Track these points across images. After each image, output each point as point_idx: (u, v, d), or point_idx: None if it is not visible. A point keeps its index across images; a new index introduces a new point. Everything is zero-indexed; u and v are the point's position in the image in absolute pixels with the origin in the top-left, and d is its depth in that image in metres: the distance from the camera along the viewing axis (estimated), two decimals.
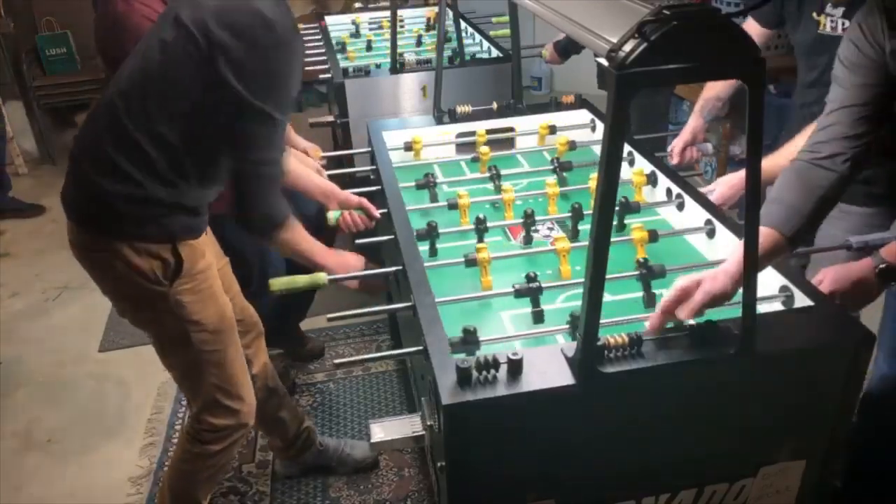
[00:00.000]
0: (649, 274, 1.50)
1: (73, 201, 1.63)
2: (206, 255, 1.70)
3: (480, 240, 1.77)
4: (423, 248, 1.75)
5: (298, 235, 1.70)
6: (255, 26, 1.45)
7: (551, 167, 2.14)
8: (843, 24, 1.82)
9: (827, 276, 1.49)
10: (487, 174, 2.12)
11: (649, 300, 1.52)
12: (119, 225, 1.56)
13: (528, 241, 1.82)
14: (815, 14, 1.89)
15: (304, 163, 2.04)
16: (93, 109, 1.63)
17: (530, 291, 1.48)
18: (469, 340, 1.34)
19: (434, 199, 2.01)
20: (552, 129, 2.35)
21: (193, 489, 1.89)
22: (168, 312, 1.63)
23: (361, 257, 1.81)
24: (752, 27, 2.14)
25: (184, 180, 1.58)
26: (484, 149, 2.20)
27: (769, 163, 1.75)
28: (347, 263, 1.78)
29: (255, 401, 1.87)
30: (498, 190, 2.04)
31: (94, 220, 1.59)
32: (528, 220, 1.79)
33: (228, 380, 1.77)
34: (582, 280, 1.16)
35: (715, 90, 2.17)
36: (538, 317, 1.49)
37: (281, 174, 1.61)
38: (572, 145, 2.26)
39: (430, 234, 1.76)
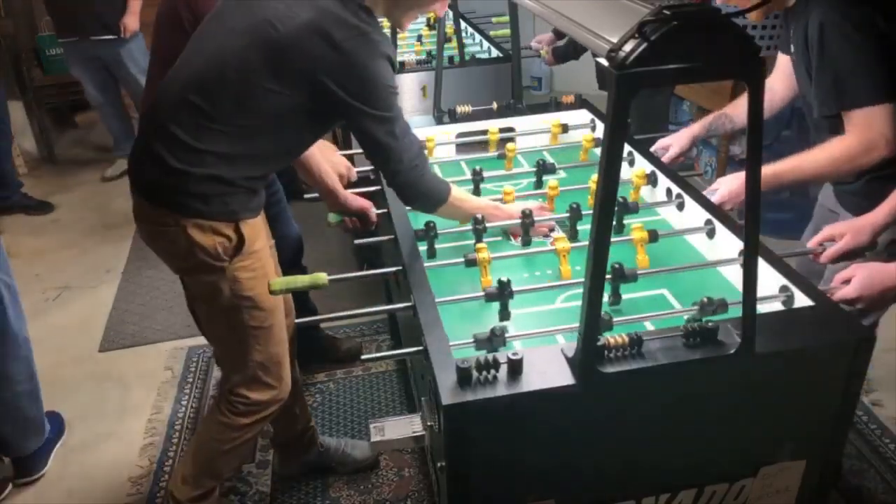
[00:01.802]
0: (621, 278, 1.51)
1: (142, 176, 1.67)
2: (263, 234, 1.76)
3: (479, 240, 1.77)
4: (422, 248, 1.75)
5: (458, 204, 1.76)
6: (358, 44, 1.50)
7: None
8: (792, 47, 1.79)
9: (857, 277, 1.46)
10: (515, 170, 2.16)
11: (615, 300, 1.55)
12: (187, 202, 1.60)
13: (526, 242, 1.82)
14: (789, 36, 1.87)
15: (327, 156, 2.03)
16: (158, 98, 1.64)
17: (501, 297, 1.48)
18: (495, 339, 1.34)
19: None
20: (564, 128, 2.35)
21: (215, 460, 1.91)
22: (224, 287, 1.68)
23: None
24: (782, 61, 2.02)
25: (255, 165, 1.63)
26: (511, 145, 2.21)
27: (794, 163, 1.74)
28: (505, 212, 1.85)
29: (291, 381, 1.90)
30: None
31: (164, 196, 1.63)
32: (528, 220, 1.79)
33: (271, 357, 1.80)
34: (582, 280, 1.16)
35: (734, 110, 2.07)
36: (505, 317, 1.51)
37: (420, 158, 1.67)
38: (598, 142, 2.26)
39: (428, 234, 1.76)
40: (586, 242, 1.19)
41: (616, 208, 1.79)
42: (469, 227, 1.81)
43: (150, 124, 1.66)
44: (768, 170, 1.68)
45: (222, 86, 1.55)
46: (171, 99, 1.60)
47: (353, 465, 2.31)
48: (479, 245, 1.66)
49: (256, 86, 1.53)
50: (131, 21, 4.02)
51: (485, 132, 2.33)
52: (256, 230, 1.71)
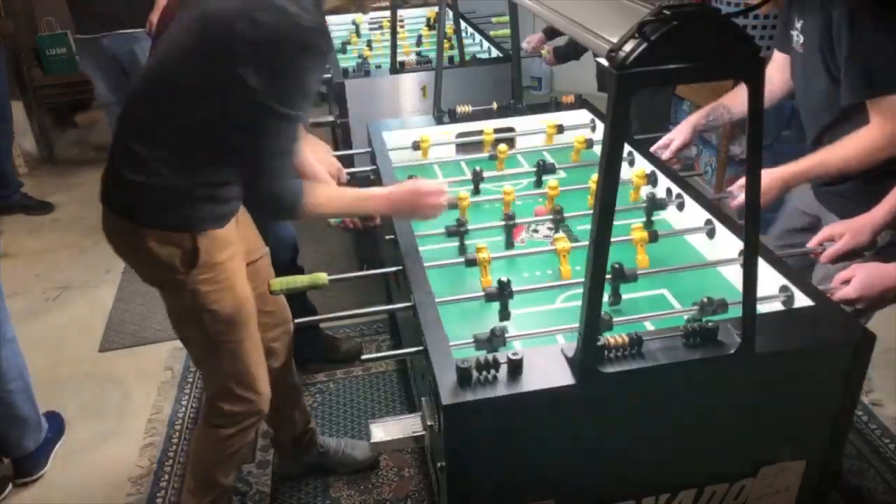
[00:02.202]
0: (621, 278, 1.51)
1: (105, 188, 1.68)
2: (231, 246, 1.70)
3: (509, 236, 1.80)
4: (453, 245, 1.78)
5: (326, 201, 1.64)
6: (280, 25, 1.42)
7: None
8: (801, 39, 1.77)
9: (857, 277, 1.45)
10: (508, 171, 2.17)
11: (615, 300, 1.55)
12: (142, 212, 1.60)
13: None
14: (791, 30, 1.84)
15: (317, 155, 2.00)
16: (125, 104, 1.67)
17: (501, 297, 1.48)
18: (495, 339, 1.34)
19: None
20: (560, 129, 2.35)
21: (209, 471, 1.91)
22: (186, 299, 1.66)
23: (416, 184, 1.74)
24: (777, 57, 2.02)
25: (202, 170, 1.60)
26: (502, 147, 2.20)
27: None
28: (413, 196, 1.71)
29: (270, 392, 1.87)
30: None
31: (122, 207, 1.63)
32: (557, 217, 1.82)
33: (242, 371, 1.78)
34: (582, 280, 1.16)
35: (732, 100, 2.05)
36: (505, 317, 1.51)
37: (291, 164, 1.58)
38: (589, 143, 2.26)
39: (459, 230, 1.76)
40: (586, 242, 1.19)
41: (646, 204, 1.82)
42: (471, 226, 1.82)
43: (113, 139, 1.66)
44: (793, 167, 1.70)
45: (167, 89, 1.55)
46: (126, 111, 1.63)
47: (354, 466, 2.31)
48: (480, 245, 1.66)
49: (194, 84, 1.50)
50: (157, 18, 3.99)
51: (484, 132, 2.32)
52: (221, 241, 1.65)
